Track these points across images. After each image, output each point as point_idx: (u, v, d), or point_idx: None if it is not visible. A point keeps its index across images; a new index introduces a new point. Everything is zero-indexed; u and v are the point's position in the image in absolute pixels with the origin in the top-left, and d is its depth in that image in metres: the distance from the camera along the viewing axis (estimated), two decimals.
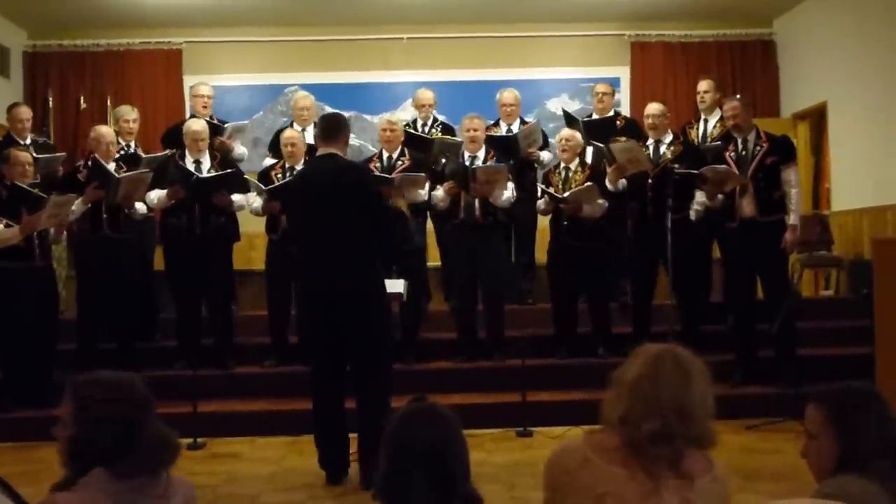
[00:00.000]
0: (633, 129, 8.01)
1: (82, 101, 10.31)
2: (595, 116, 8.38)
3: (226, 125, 8.06)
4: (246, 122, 8.11)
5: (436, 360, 7.50)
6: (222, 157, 7.67)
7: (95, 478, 2.24)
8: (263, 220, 7.49)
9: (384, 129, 7.52)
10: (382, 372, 5.36)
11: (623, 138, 7.84)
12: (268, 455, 6.14)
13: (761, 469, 5.40)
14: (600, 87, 8.55)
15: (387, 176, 7.13)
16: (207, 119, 7.98)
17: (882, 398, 2.55)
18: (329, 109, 8.40)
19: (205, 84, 8.47)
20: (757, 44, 10.90)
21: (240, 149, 8.18)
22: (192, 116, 8.12)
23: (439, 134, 8.22)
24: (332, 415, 5.32)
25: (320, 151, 5.52)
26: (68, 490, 2.24)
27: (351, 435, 5.36)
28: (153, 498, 2.29)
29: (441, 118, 8.56)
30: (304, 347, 7.26)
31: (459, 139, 7.98)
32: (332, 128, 5.49)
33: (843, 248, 9.24)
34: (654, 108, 7.63)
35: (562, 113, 8.87)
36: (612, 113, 8.41)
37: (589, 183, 7.28)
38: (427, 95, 8.59)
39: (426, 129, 8.36)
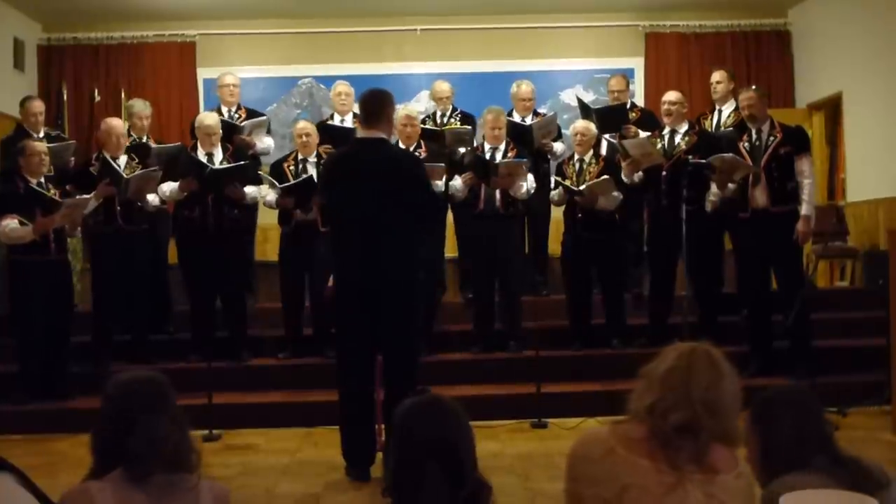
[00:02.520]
0: (650, 119, 7.98)
1: (96, 93, 10.33)
2: (608, 103, 8.37)
3: (243, 124, 8.05)
4: (265, 117, 8.12)
5: (450, 351, 7.51)
6: (236, 150, 7.66)
7: (119, 475, 2.26)
8: (276, 211, 7.50)
9: (404, 125, 7.40)
10: (414, 363, 5.30)
11: (633, 127, 7.83)
12: (283, 446, 6.15)
13: None
14: (614, 84, 8.52)
15: (439, 164, 7.17)
16: (226, 117, 8.04)
17: (807, 397, 2.68)
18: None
19: (231, 74, 8.49)
20: (772, 34, 10.83)
21: (263, 143, 8.17)
22: (218, 108, 8.23)
23: (458, 124, 8.22)
24: (361, 406, 5.24)
25: (364, 134, 5.28)
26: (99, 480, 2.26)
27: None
28: (181, 497, 2.31)
29: (459, 108, 8.54)
30: (319, 339, 7.32)
31: (468, 127, 8.01)
32: (374, 108, 5.22)
33: (858, 239, 9.21)
34: (671, 95, 7.59)
35: (576, 104, 8.86)
36: (627, 106, 8.37)
37: (605, 176, 7.28)
38: (444, 87, 8.58)
39: (445, 121, 8.36)
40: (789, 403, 2.62)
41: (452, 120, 8.35)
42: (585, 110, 8.26)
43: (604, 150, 7.94)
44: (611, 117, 8.03)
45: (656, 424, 2.20)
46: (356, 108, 7.78)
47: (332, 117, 8.38)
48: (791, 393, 2.69)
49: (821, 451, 2.53)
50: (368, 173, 5.12)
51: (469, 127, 8.06)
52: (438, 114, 8.46)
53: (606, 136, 8.04)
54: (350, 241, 5.16)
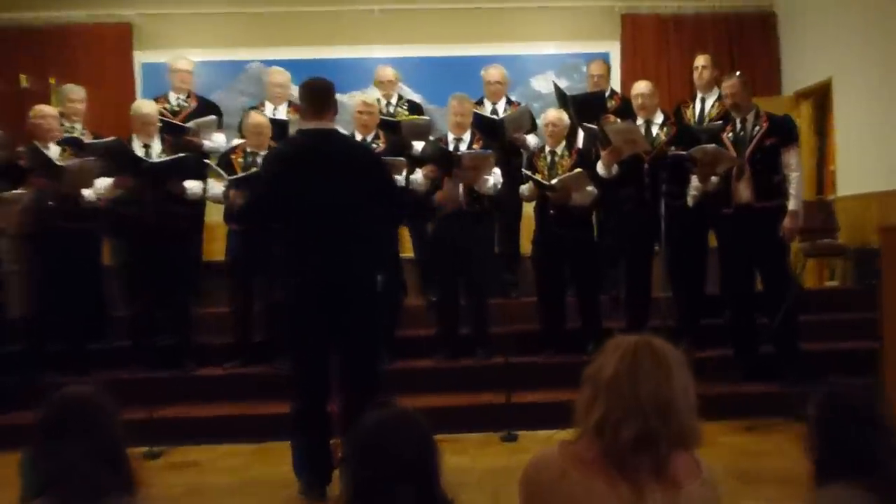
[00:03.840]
0: (630, 108, 8.02)
1: (23, 80, 10.21)
2: (586, 90, 8.40)
3: (189, 124, 8.02)
4: (213, 117, 8.12)
5: (413, 358, 7.53)
6: (176, 143, 7.63)
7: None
8: (222, 208, 7.49)
9: (360, 112, 7.43)
10: (377, 371, 5.33)
11: (613, 117, 7.88)
12: (231, 464, 6.14)
13: (762, 472, 5.45)
14: (595, 68, 8.59)
15: (399, 159, 7.20)
16: (174, 105, 8.12)
17: (872, 401, 2.56)
18: (295, 90, 8.41)
19: (185, 58, 8.53)
20: (756, 17, 10.95)
21: (213, 142, 8.15)
22: (165, 95, 8.28)
23: (406, 113, 8.23)
24: (316, 418, 5.23)
25: (311, 125, 5.26)
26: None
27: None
28: None
29: (410, 96, 8.55)
30: (270, 346, 7.31)
31: (427, 118, 8.04)
32: (323, 97, 5.24)
33: (848, 236, 9.29)
34: (641, 86, 7.67)
35: (546, 91, 8.92)
36: (607, 93, 8.43)
37: (578, 169, 7.32)
38: (387, 72, 8.58)
39: (390, 109, 8.36)
40: (851, 407, 2.53)
41: (399, 109, 8.35)
42: (562, 98, 8.29)
43: (580, 143, 7.98)
44: (588, 106, 8.07)
45: (608, 443, 2.19)
46: (293, 97, 7.81)
47: (262, 105, 8.33)
48: (855, 396, 2.58)
49: (880, 462, 2.43)
50: (324, 166, 5.12)
51: (428, 118, 8.08)
52: (383, 102, 8.42)
53: (584, 125, 8.06)
54: (306, 239, 5.16)
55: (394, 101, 8.49)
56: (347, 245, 5.09)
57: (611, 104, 8.24)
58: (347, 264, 5.09)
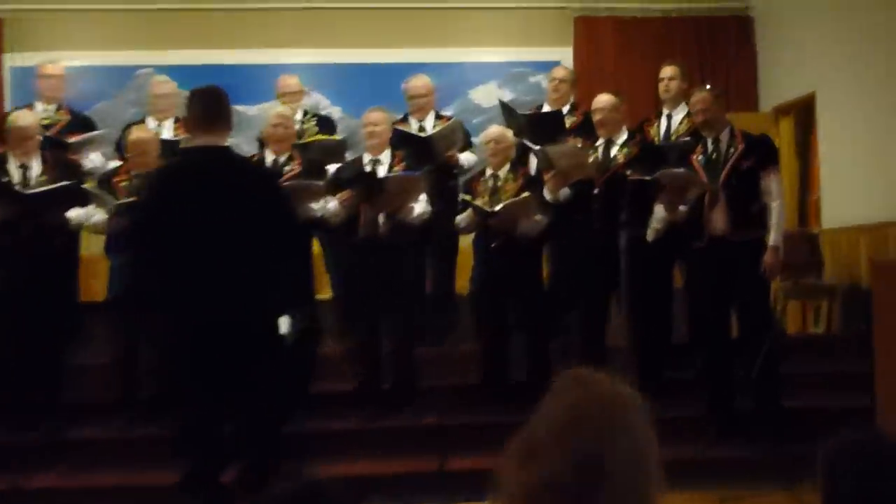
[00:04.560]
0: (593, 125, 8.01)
1: None
2: (546, 108, 8.41)
3: (72, 140, 7.90)
4: (100, 132, 8.03)
5: (328, 417, 7.41)
6: (57, 162, 7.51)
7: None
8: (102, 239, 7.37)
9: (275, 125, 7.35)
10: (281, 434, 5.23)
11: (571, 137, 7.86)
12: None
13: None
14: (558, 72, 8.62)
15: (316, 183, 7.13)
16: (41, 116, 7.97)
17: (883, 450, 2.55)
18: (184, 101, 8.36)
19: (54, 63, 8.45)
20: (730, 20, 11.09)
21: (91, 161, 8.05)
22: (30, 104, 8.16)
23: (315, 130, 8.19)
24: (209, 489, 5.14)
25: (199, 141, 5.22)
26: None
27: None
28: None
29: (328, 110, 8.51)
30: (160, 402, 7.17)
31: (341, 137, 8.03)
32: (215, 109, 5.19)
33: (836, 274, 9.36)
34: (602, 100, 7.68)
35: (488, 104, 8.89)
36: (568, 106, 8.45)
37: (525, 193, 7.29)
38: (291, 82, 8.57)
39: (298, 127, 8.28)
40: (859, 456, 2.52)
41: (306, 125, 8.31)
42: (510, 114, 8.27)
43: (533, 168, 7.95)
44: (543, 125, 8.05)
45: None
46: (180, 112, 7.74)
47: (143, 121, 8.27)
48: (864, 444, 2.58)
49: None
50: (213, 190, 5.05)
51: (342, 136, 8.04)
52: None
53: (535, 146, 8.04)
54: (190, 273, 5.07)
55: (299, 116, 8.41)
56: (239, 282, 5.01)
57: (571, 120, 8.22)
58: (239, 303, 5.01)
